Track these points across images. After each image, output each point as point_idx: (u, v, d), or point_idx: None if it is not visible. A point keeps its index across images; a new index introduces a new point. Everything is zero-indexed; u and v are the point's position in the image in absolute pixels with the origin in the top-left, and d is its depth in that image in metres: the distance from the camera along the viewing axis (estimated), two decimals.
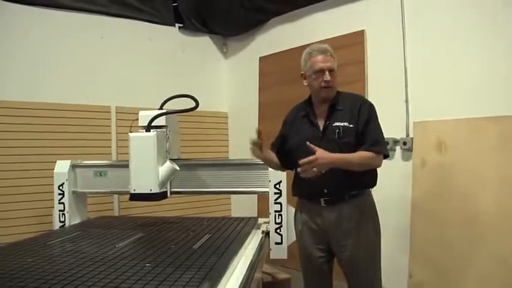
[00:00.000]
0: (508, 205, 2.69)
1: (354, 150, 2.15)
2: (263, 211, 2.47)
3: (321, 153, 2.02)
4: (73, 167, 2.74)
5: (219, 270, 1.52)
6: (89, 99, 3.79)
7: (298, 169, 2.05)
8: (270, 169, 2.52)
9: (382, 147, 2.22)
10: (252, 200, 4.19)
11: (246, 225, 2.50)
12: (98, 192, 2.85)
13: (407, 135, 3.11)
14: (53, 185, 2.74)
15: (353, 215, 2.20)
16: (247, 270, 1.67)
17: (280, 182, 2.52)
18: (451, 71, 2.95)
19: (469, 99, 2.86)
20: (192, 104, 2.55)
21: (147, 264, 1.58)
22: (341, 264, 2.29)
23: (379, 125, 2.25)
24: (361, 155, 2.15)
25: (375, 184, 2.31)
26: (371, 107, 2.26)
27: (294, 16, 4.06)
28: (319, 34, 3.69)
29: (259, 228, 2.55)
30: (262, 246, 2.26)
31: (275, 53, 4.26)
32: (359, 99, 2.32)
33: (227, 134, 4.89)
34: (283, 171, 2.49)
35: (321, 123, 2.26)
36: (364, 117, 2.20)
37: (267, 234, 2.50)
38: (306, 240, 2.32)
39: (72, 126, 3.66)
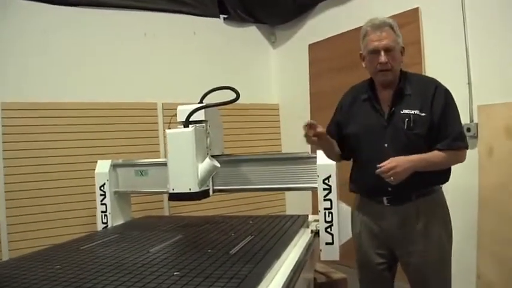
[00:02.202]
0: None
1: (424, 142, 1.88)
2: (317, 208, 2.28)
3: (397, 161, 1.79)
4: (114, 166, 2.67)
5: (253, 280, 1.35)
6: (135, 96, 3.74)
7: (377, 170, 1.81)
8: (318, 163, 2.31)
9: (465, 141, 1.91)
10: (308, 196, 4.00)
11: (294, 224, 2.31)
12: (139, 192, 2.77)
13: (471, 120, 2.78)
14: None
15: (421, 217, 1.92)
16: (286, 279, 1.49)
17: (330, 177, 2.30)
18: None
19: None
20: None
21: (175, 273, 1.44)
22: (406, 271, 2.03)
23: (458, 113, 1.93)
24: (445, 155, 1.86)
25: (447, 180, 2.00)
26: (447, 93, 1.93)
27: None
28: (371, 15, 3.39)
29: (308, 227, 2.36)
30: (310, 248, 2.06)
31: (325, 39, 4.02)
32: (432, 82, 1.98)
33: (279, 127, 4.72)
34: (338, 161, 2.26)
35: (385, 110, 1.97)
36: (440, 105, 1.88)
37: (316, 233, 2.30)
38: (365, 244, 2.08)
39: (120, 124, 3.62)
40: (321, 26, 4.09)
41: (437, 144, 1.88)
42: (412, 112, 1.89)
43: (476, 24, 2.79)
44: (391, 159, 1.81)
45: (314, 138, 1.90)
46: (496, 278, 2.72)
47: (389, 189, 1.91)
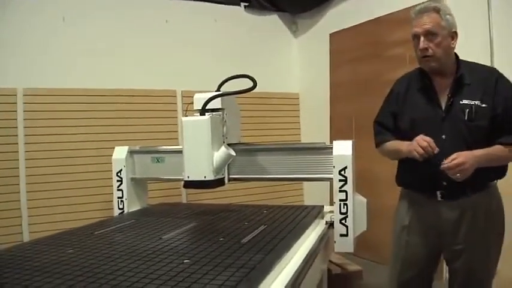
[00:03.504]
0: None
1: (484, 135, 1.80)
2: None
3: (465, 156, 1.70)
4: (131, 153, 2.68)
5: (263, 269, 1.33)
6: (155, 84, 3.76)
7: (443, 165, 1.72)
8: (334, 153, 2.26)
9: None
10: (325, 187, 3.97)
11: (309, 214, 2.28)
12: (155, 179, 2.78)
13: None
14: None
15: (477, 214, 1.85)
16: (297, 269, 1.47)
17: (346, 167, 2.25)
18: None
19: None
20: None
21: (185, 261, 1.44)
22: (452, 270, 1.97)
23: None
24: (508, 151, 1.78)
25: (504, 175, 1.91)
26: (509, 83, 1.85)
27: None
28: (394, 4, 3.36)
29: (323, 218, 2.33)
30: (323, 239, 2.04)
31: (346, 29, 3.97)
32: (493, 72, 1.90)
33: (298, 116, 4.69)
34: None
35: (442, 100, 1.88)
36: (503, 96, 1.80)
37: (331, 225, 2.27)
38: (412, 239, 2.00)
39: (139, 111, 3.65)
40: (342, 15, 4.04)
41: (500, 138, 1.80)
42: (473, 103, 1.81)
43: (502, 15, 2.71)
44: (458, 154, 1.73)
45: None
46: None
47: (445, 183, 1.84)
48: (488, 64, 2.69)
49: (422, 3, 1.90)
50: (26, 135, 3.25)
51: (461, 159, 1.70)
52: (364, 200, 2.26)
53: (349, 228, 2.24)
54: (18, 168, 3.22)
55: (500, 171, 1.90)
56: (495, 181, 1.93)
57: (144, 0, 3.78)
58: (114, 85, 3.55)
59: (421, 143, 1.76)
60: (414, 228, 2.00)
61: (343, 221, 2.24)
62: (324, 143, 2.41)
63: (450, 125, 1.83)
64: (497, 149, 1.79)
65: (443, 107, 1.87)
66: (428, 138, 1.77)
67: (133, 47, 3.70)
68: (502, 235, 1.92)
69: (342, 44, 4.05)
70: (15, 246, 1.79)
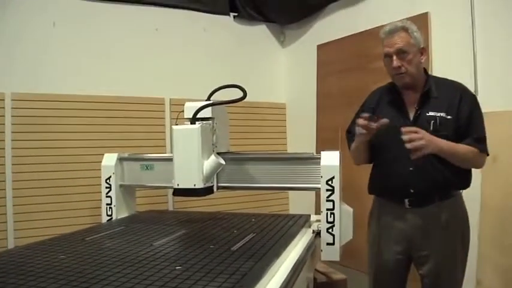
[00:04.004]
0: None
1: None
2: (320, 208, 2.30)
3: (423, 132, 1.81)
4: (120, 160, 2.70)
5: (254, 276, 1.37)
6: (144, 91, 3.77)
7: (404, 137, 1.80)
8: (322, 164, 2.32)
9: (486, 146, 1.94)
10: (311, 196, 4.02)
11: (296, 224, 2.33)
12: (144, 186, 2.80)
13: None
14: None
15: (442, 221, 1.95)
16: (288, 275, 1.52)
17: (333, 178, 2.31)
18: None
19: None
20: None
21: (177, 267, 1.47)
22: (420, 274, 2.06)
23: (483, 120, 1.96)
24: (468, 148, 1.88)
25: (468, 185, 2.02)
26: (474, 98, 1.98)
27: (353, 0, 3.82)
28: (381, 18, 3.42)
29: (310, 227, 2.38)
30: (310, 248, 2.08)
31: (333, 41, 4.04)
32: (459, 87, 2.02)
33: (285, 126, 4.74)
34: (368, 163, 2.26)
35: (410, 112, 2.00)
36: (467, 110, 1.92)
37: (318, 233, 2.32)
38: (383, 246, 2.10)
39: (127, 118, 3.66)
40: (330, 27, 4.11)
41: (464, 141, 1.92)
42: (438, 114, 1.92)
43: (484, 31, 2.80)
44: (420, 130, 1.82)
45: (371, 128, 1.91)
46: (495, 285, 2.73)
47: (412, 191, 1.93)
48: (472, 77, 2.79)
49: (403, 19, 2.00)
50: (13, 140, 3.23)
51: (420, 134, 1.79)
52: (350, 209, 2.31)
53: (335, 237, 2.28)
54: (4, 173, 3.19)
55: (464, 182, 2.02)
56: (460, 191, 2.01)
57: (134, 8, 3.80)
58: (103, 92, 3.56)
59: (359, 123, 1.91)
60: (385, 236, 2.09)
61: (330, 230, 2.29)
62: (312, 153, 2.46)
63: None
64: (461, 145, 1.90)
65: (411, 118, 1.95)
66: (364, 116, 1.90)
67: (123, 55, 3.71)
68: (467, 244, 2.03)
69: (329, 56, 4.12)
70: (5, 251, 1.80)
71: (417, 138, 1.78)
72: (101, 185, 2.72)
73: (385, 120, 1.88)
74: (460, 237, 2.02)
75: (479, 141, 1.93)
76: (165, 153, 3.68)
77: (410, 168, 1.91)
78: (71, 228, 2.47)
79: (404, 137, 1.79)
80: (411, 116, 1.99)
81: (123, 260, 1.56)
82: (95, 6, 3.61)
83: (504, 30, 2.71)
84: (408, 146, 1.79)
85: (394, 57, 1.94)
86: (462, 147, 1.90)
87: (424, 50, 2.01)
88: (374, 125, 1.90)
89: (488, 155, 2.00)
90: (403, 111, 2.02)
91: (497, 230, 2.73)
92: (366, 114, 1.92)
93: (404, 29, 1.95)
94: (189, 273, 1.40)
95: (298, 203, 4.43)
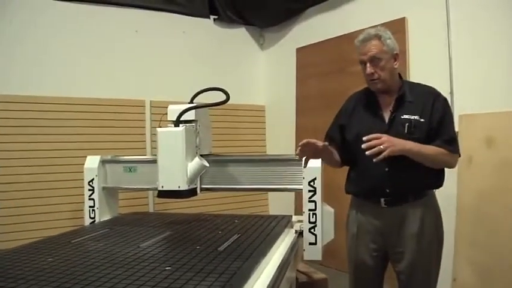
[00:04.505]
0: None
1: None
2: (300, 209, 2.35)
3: (387, 136, 1.86)
4: (103, 162, 2.70)
5: (243, 275, 1.41)
6: (124, 93, 3.77)
7: (363, 145, 1.85)
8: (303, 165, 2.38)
9: (457, 147, 2.02)
10: (290, 197, 4.07)
11: (278, 224, 2.37)
12: (127, 188, 2.81)
13: None
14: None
15: (416, 219, 2.02)
16: (274, 274, 1.56)
17: (315, 179, 2.36)
18: (500, 60, 2.72)
19: None
20: (224, 97, 2.44)
21: (167, 268, 1.49)
22: (396, 271, 2.13)
23: (453, 122, 2.06)
24: (437, 149, 1.96)
25: (441, 185, 2.10)
26: (446, 102, 2.05)
27: (332, 4, 3.90)
28: (358, 23, 3.51)
29: (292, 228, 2.43)
30: (294, 248, 2.13)
31: (312, 44, 4.11)
32: (432, 91, 2.09)
33: (264, 128, 4.79)
34: (340, 167, 2.32)
35: (386, 115, 2.06)
36: (439, 113, 2.00)
37: (300, 234, 2.37)
38: (360, 245, 2.16)
39: (107, 120, 3.65)
40: (309, 30, 4.18)
41: (435, 143, 1.99)
42: (412, 117, 1.99)
43: (460, 36, 2.91)
44: (386, 136, 1.88)
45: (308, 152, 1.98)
46: (471, 281, 2.83)
47: (388, 190, 2.00)
48: (448, 80, 2.89)
49: (378, 26, 2.07)
50: None
51: (378, 134, 1.86)
52: (332, 209, 2.37)
53: (317, 236, 2.34)
54: None
55: (437, 182, 2.09)
56: (433, 191, 2.10)
57: (113, 10, 3.79)
58: (84, 94, 3.55)
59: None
60: (362, 234, 2.16)
61: (312, 230, 2.34)
62: (294, 154, 2.51)
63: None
64: (429, 146, 1.97)
65: (387, 121, 2.04)
66: (308, 141, 1.94)
67: (103, 56, 3.71)
68: (441, 241, 2.11)
69: (308, 59, 4.19)
70: None
71: (376, 144, 1.84)
72: (83, 187, 2.72)
73: (320, 145, 1.95)
74: (435, 235, 2.09)
75: (449, 143, 2.01)
76: (146, 155, 3.68)
77: (386, 169, 1.97)
78: (54, 231, 2.45)
79: (363, 146, 1.86)
80: (386, 118, 2.06)
81: (112, 262, 1.58)
82: (74, 8, 3.60)
83: (478, 34, 2.82)
84: (367, 153, 1.86)
85: (368, 65, 2.02)
86: (431, 149, 1.98)
87: (397, 56, 2.09)
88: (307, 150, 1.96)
89: (459, 155, 2.08)
90: (378, 114, 2.09)
91: (472, 229, 2.83)
92: (303, 142, 1.96)
93: (378, 37, 2.02)
94: (179, 273, 1.43)
95: (277, 204, 4.49)
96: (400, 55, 2.99)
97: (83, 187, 2.71)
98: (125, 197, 3.31)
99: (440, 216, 2.12)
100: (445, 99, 2.07)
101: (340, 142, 2.22)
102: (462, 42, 2.90)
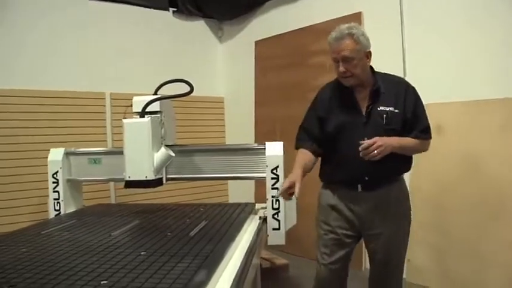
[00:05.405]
0: (510, 189, 2.67)
1: (398, 136, 2.06)
2: (260, 196, 2.43)
3: (383, 140, 1.93)
4: (67, 154, 2.70)
5: (216, 257, 1.49)
6: (83, 86, 3.74)
7: (361, 153, 1.92)
8: (267, 154, 2.47)
9: (430, 133, 2.15)
10: (250, 185, 4.17)
11: (243, 211, 2.46)
12: (92, 180, 2.81)
13: None
14: (47, 173, 2.71)
15: (391, 202, 2.12)
16: (244, 256, 1.65)
17: (277, 167, 2.47)
18: (451, 53, 2.91)
19: (469, 82, 2.84)
20: (187, 88, 2.50)
21: (142, 253, 1.55)
22: (370, 252, 2.22)
23: (425, 109, 2.15)
24: (415, 141, 2.08)
25: (410, 168, 2.21)
26: (415, 91, 2.15)
27: None
28: (316, 17, 3.64)
29: (256, 214, 2.52)
30: (260, 232, 2.22)
31: (271, 37, 4.21)
32: (402, 82, 2.19)
33: (223, 119, 4.86)
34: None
35: (362, 107, 2.10)
36: (412, 103, 2.09)
37: (264, 220, 2.46)
38: (333, 222, 2.19)
39: (67, 113, 3.63)
40: (268, 24, 4.27)
41: (411, 134, 2.09)
42: (388, 109, 2.07)
43: (412, 28, 3.09)
44: (377, 138, 1.94)
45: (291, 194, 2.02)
46: (424, 261, 3.03)
47: (367, 178, 2.09)
48: (402, 72, 3.09)
49: (351, 24, 2.10)
50: None
51: (380, 143, 1.94)
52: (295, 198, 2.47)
53: (281, 222, 2.45)
54: None
55: (408, 166, 2.22)
56: (403, 175, 2.24)
57: (72, 3, 3.75)
58: (44, 87, 3.50)
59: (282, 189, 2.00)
60: (337, 217, 2.21)
61: (275, 216, 2.45)
62: (258, 144, 2.60)
63: (371, 129, 2.06)
64: (408, 139, 2.10)
65: (364, 113, 2.12)
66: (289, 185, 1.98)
67: (63, 50, 3.66)
68: (409, 222, 2.24)
69: (266, 52, 4.28)
70: None
71: (372, 150, 1.92)
72: (45, 180, 2.71)
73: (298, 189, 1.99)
74: (406, 216, 2.22)
75: (425, 132, 2.14)
76: (107, 147, 3.68)
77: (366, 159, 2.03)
78: (16, 225, 2.45)
79: (361, 154, 1.93)
80: (363, 111, 2.11)
81: (87, 249, 1.62)
82: (32, 1, 3.53)
83: (430, 28, 2.99)
84: (366, 158, 1.94)
85: (340, 63, 2.05)
86: (411, 141, 2.10)
87: (369, 53, 2.13)
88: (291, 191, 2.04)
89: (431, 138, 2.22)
90: (355, 106, 2.13)
91: (425, 212, 3.02)
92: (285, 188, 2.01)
93: (351, 35, 2.03)
94: (155, 257, 1.50)
95: (237, 193, 4.57)
96: None
97: (45, 180, 2.70)
98: (86, 190, 3.30)
99: (409, 200, 2.24)
100: (414, 88, 2.17)
101: (319, 134, 2.22)
102: (415, 35, 3.07)
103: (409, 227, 2.23)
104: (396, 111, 2.07)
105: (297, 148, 2.29)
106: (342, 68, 2.04)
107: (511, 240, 2.63)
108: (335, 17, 3.40)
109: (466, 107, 2.86)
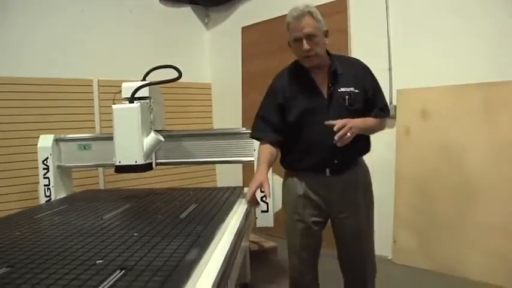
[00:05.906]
0: (493, 172, 2.75)
1: (362, 116, 2.07)
2: (248, 180, 2.45)
3: (347, 120, 1.93)
4: (57, 141, 2.73)
5: (206, 238, 1.54)
6: (72, 73, 3.74)
7: (335, 138, 1.89)
8: None
9: (388, 111, 2.21)
10: (237, 169, 4.22)
11: (232, 194, 2.51)
12: (82, 166, 2.85)
13: (391, 103, 3.14)
14: (37, 160, 2.73)
15: (358, 184, 2.15)
16: (234, 237, 1.70)
17: None
18: (434, 39, 2.97)
19: (452, 66, 2.91)
20: (175, 74, 2.53)
21: (134, 234, 1.60)
22: (338, 236, 2.22)
23: (381, 87, 2.18)
24: (376, 120, 2.12)
25: (369, 150, 2.23)
26: (370, 71, 2.17)
27: None
28: (303, 2, 3.65)
29: (244, 198, 2.57)
30: (249, 215, 2.27)
31: (257, 23, 4.23)
32: (357, 62, 2.21)
33: (211, 105, 4.89)
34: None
35: (323, 90, 2.08)
36: (369, 83, 2.12)
37: None
38: (301, 210, 2.18)
39: (55, 100, 3.63)
40: (254, 10, 4.29)
41: (371, 113, 2.12)
42: (349, 90, 2.08)
43: (397, 16, 3.14)
44: (346, 120, 1.94)
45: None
46: (409, 242, 3.12)
47: (336, 161, 2.08)
48: (387, 57, 3.18)
49: (325, 3, 2.09)
50: None
51: (350, 124, 1.93)
52: (281, 179, 2.52)
53: (269, 205, 2.51)
54: None
55: (369, 147, 2.24)
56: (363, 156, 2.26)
57: None
58: (32, 74, 3.49)
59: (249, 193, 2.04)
60: (304, 201, 2.18)
61: (263, 199, 2.49)
62: (246, 128, 2.64)
63: (334, 111, 2.06)
64: (370, 119, 2.13)
65: (326, 96, 2.10)
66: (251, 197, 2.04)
67: (50, 37, 3.64)
68: (373, 202, 2.26)
69: (253, 38, 4.31)
70: None
71: (345, 132, 1.91)
72: (35, 167, 2.73)
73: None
74: (371, 197, 2.27)
75: (384, 110, 2.19)
76: (95, 134, 3.69)
77: (334, 142, 2.04)
78: (6, 212, 2.46)
79: (336, 137, 1.90)
80: (325, 93, 2.10)
81: (81, 232, 1.66)
82: None
83: (415, 14, 3.05)
84: (339, 144, 1.93)
85: (304, 41, 2.01)
86: (373, 121, 2.13)
87: (327, 33, 2.12)
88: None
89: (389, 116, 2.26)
90: (316, 90, 2.11)
91: (410, 194, 3.10)
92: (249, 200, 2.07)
93: (310, 13, 2.02)
94: (148, 237, 1.55)
95: (225, 177, 4.62)
96: (342, 34, 3.14)
97: (35, 167, 2.72)
98: (75, 176, 3.33)
99: (371, 181, 2.27)
100: (369, 68, 2.19)
101: (278, 122, 2.17)
102: (400, 21, 3.13)
103: (373, 211, 2.25)
104: (357, 91, 2.08)
105: (253, 137, 2.29)
106: (306, 46, 2.00)
107: (490, 222, 2.72)
108: (320, 3, 3.43)
109: (447, 91, 2.93)
